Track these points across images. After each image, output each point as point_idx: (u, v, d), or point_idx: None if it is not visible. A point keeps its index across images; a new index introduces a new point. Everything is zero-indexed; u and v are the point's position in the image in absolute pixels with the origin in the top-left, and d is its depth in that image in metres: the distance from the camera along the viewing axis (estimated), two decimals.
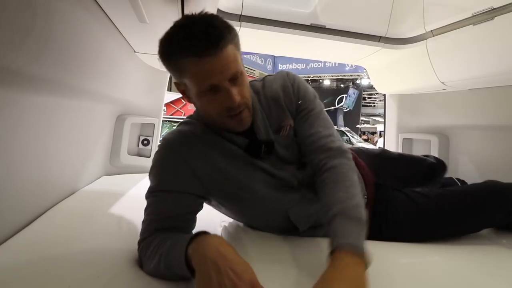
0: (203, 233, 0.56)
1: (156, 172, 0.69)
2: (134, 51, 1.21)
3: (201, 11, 0.61)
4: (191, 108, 5.93)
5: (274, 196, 0.71)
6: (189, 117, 0.76)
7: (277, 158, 0.73)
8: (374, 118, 19.10)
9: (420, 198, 0.86)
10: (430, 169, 1.08)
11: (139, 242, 0.65)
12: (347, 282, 0.48)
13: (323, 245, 0.67)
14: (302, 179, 0.73)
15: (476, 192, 0.88)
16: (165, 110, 5.98)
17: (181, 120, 0.75)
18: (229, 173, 0.69)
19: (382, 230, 0.81)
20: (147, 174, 0.71)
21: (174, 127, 0.76)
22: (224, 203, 0.76)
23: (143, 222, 0.67)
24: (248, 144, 0.70)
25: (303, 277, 0.58)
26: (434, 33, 1.38)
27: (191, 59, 0.58)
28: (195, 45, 0.57)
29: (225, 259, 0.49)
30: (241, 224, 0.84)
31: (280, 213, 0.72)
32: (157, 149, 0.71)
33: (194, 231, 0.64)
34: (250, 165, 0.70)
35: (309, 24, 1.42)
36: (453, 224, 0.84)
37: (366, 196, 0.83)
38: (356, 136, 11.58)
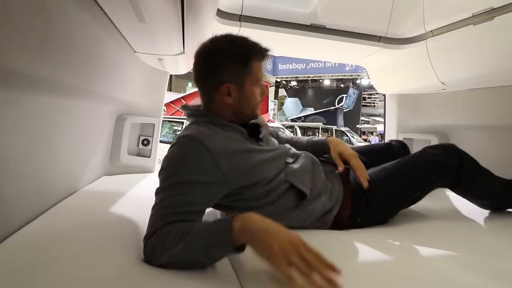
0: (238, 214, 0.60)
1: (175, 165, 0.71)
2: (134, 51, 1.21)
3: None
4: None
5: (278, 165, 0.87)
6: (195, 121, 0.85)
7: (268, 142, 0.93)
8: (374, 118, 19.11)
9: (382, 171, 1.01)
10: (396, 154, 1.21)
11: (150, 234, 0.63)
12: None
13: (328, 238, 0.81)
14: (292, 154, 0.95)
15: (427, 153, 1.03)
16: (165, 110, 5.99)
17: (183, 121, 0.81)
18: (244, 150, 0.81)
19: (361, 212, 0.93)
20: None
21: (174, 127, 0.80)
22: (240, 190, 0.80)
23: (154, 215, 0.65)
24: (250, 128, 0.87)
25: None
26: (434, 33, 1.38)
27: (258, 61, 0.83)
28: (263, 51, 0.83)
29: (279, 230, 0.57)
30: None
31: (284, 183, 0.85)
32: (175, 145, 0.74)
33: None
34: (255, 144, 0.87)
35: (309, 24, 1.42)
36: (412, 182, 0.99)
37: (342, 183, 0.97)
38: (356, 136, 11.59)
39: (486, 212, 1.12)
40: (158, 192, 0.69)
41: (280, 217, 0.69)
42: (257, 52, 0.82)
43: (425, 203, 1.10)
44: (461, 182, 1.03)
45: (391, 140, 1.32)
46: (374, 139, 12.43)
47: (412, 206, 1.08)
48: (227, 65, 0.80)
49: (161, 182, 0.70)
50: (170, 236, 0.60)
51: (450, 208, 1.22)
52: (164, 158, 0.73)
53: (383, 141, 1.70)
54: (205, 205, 0.72)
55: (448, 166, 1.01)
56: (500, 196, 1.08)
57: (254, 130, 0.88)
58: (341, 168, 0.98)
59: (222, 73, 0.80)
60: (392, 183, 0.98)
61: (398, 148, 1.23)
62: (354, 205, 0.93)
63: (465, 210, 1.17)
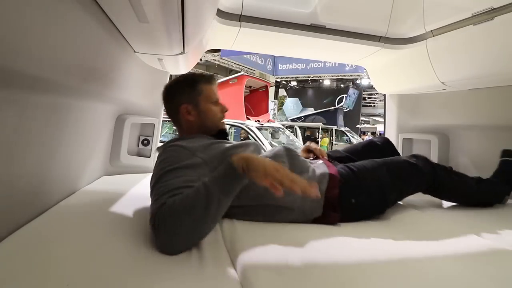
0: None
1: (162, 163, 0.82)
2: (134, 51, 1.21)
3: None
4: None
5: (251, 152, 1.01)
6: (172, 140, 0.99)
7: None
8: (374, 118, 19.11)
9: (370, 161, 1.11)
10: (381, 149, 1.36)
11: (156, 210, 0.67)
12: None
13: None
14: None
15: (405, 158, 1.16)
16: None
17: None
18: (214, 142, 0.95)
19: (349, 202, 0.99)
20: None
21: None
22: None
23: (155, 200, 0.71)
24: (219, 133, 1.06)
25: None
26: (434, 33, 1.38)
27: (205, 83, 1.05)
28: (209, 76, 1.08)
29: (265, 158, 0.72)
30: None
31: None
32: (164, 153, 0.88)
33: None
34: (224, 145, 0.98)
35: (309, 24, 1.42)
36: (395, 176, 1.08)
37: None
38: (356, 136, 11.58)
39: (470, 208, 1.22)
40: (153, 187, 0.77)
41: (273, 196, 0.72)
42: (203, 77, 1.06)
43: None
44: (439, 186, 1.16)
45: (373, 137, 1.46)
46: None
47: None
48: (180, 90, 1.03)
49: (154, 181, 0.78)
50: (179, 198, 0.67)
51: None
52: (154, 168, 0.85)
53: None
54: (197, 181, 0.75)
55: (423, 170, 1.13)
56: (475, 191, 1.22)
57: (221, 135, 1.06)
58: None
59: (178, 97, 1.02)
60: (381, 171, 1.08)
61: (382, 143, 1.38)
62: (344, 183, 0.99)
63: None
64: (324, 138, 10.21)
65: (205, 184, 0.68)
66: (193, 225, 0.66)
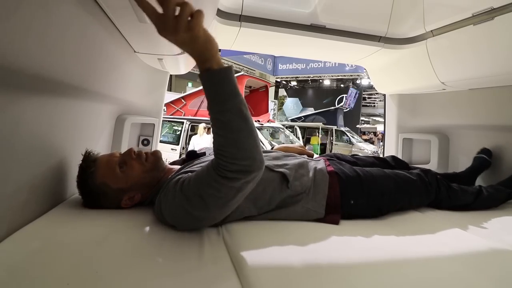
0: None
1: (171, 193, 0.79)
2: (134, 51, 1.21)
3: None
4: (191, 108, 5.93)
5: None
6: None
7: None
8: (374, 118, 19.11)
9: (380, 170, 1.12)
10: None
11: (209, 167, 0.71)
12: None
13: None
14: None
15: (415, 173, 1.16)
16: (165, 110, 5.99)
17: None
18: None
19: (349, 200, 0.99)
20: None
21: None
22: None
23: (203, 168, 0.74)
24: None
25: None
26: (434, 33, 1.38)
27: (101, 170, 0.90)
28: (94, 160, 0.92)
29: None
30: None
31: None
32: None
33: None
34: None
35: (309, 24, 1.42)
36: (401, 187, 1.08)
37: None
38: (356, 136, 11.58)
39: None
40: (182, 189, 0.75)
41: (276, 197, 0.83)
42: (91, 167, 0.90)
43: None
44: (440, 202, 1.16)
45: (386, 157, 1.46)
46: (378, 144, 12.28)
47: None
48: (102, 201, 0.89)
49: (177, 195, 0.76)
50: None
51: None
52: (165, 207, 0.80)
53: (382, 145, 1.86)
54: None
55: (430, 190, 1.14)
56: (471, 204, 1.19)
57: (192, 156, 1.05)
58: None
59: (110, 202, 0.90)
60: (389, 181, 1.07)
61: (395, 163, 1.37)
62: (346, 184, 1.00)
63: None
64: (314, 137, 10.17)
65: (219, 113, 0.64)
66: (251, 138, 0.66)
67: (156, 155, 0.94)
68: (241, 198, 0.76)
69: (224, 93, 0.63)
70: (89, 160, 0.87)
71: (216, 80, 0.63)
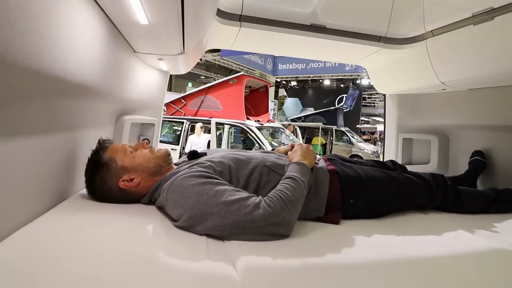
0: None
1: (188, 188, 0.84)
2: (134, 51, 1.21)
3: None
4: (191, 108, 5.93)
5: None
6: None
7: None
8: (374, 118, 19.10)
9: (384, 173, 1.13)
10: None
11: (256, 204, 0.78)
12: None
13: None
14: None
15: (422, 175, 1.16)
16: (165, 110, 5.99)
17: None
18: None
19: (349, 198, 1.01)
20: None
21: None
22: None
23: (234, 200, 0.78)
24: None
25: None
26: (434, 33, 1.38)
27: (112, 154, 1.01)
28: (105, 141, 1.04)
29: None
30: None
31: (264, 169, 1.03)
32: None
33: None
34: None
35: (309, 24, 1.42)
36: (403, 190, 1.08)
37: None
38: (356, 136, 11.58)
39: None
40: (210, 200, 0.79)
41: None
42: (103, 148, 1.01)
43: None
44: (446, 206, 1.16)
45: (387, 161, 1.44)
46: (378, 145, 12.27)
47: None
48: (103, 177, 0.96)
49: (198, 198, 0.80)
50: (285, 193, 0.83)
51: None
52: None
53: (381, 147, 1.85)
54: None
55: (435, 194, 1.13)
56: (478, 213, 1.17)
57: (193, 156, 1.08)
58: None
59: (108, 183, 0.96)
60: (390, 182, 1.08)
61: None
62: (346, 183, 1.01)
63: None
64: (315, 137, 10.13)
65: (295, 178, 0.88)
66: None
67: (167, 150, 1.06)
68: None
69: (305, 174, 0.93)
70: (108, 140, 1.02)
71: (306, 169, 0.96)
